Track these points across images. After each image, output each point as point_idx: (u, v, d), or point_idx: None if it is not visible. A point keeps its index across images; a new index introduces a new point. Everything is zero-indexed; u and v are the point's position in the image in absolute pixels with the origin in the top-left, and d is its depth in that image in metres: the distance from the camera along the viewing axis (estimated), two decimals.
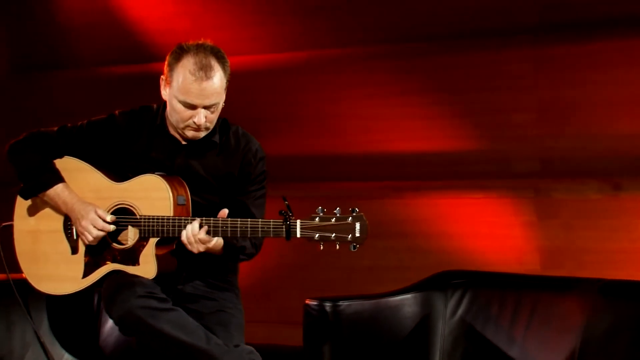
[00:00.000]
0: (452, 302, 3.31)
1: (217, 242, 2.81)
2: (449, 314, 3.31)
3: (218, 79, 2.82)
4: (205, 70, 2.79)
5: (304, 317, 3.25)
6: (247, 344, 2.91)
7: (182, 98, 2.82)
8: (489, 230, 4.15)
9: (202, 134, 2.90)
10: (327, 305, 3.22)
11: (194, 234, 2.76)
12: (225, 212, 2.80)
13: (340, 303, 3.24)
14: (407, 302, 3.32)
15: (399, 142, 4.32)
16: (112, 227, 2.87)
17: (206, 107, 2.83)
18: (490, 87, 4.14)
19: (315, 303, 3.24)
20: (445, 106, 4.22)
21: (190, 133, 2.89)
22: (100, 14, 4.98)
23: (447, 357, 3.28)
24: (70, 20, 5.10)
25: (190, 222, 2.77)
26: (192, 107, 2.82)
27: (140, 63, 4.86)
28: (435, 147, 4.24)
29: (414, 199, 4.29)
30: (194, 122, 2.84)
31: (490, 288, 3.30)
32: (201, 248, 2.79)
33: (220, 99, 2.86)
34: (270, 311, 4.50)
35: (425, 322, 3.31)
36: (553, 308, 3.13)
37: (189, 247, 2.80)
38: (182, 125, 2.87)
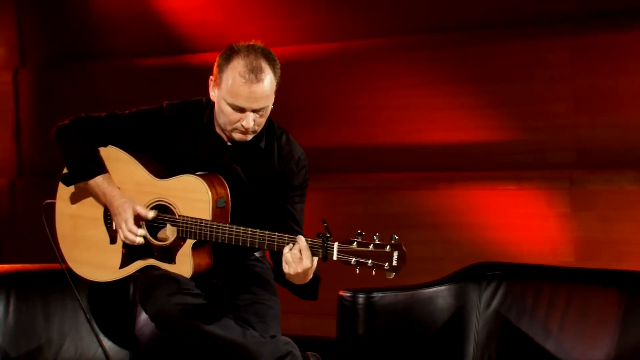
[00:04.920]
0: (486, 294, 3.29)
1: (314, 265, 2.70)
2: (483, 305, 3.29)
3: (268, 82, 2.77)
4: (255, 73, 2.74)
5: (337, 309, 3.25)
6: (282, 334, 2.91)
7: (230, 100, 2.77)
8: (524, 222, 4.12)
9: (250, 137, 2.85)
10: (361, 296, 3.22)
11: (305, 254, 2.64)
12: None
13: (374, 294, 3.23)
14: (441, 294, 3.30)
15: (432, 133, 4.29)
16: (143, 233, 2.83)
17: (255, 111, 2.79)
18: (526, 77, 4.10)
19: (348, 294, 3.24)
20: (480, 96, 4.19)
21: (237, 136, 2.84)
22: (134, 6, 5.01)
23: (481, 349, 3.26)
24: (105, 11, 5.13)
25: (293, 242, 2.66)
26: (241, 110, 2.78)
27: (173, 55, 4.88)
28: (469, 138, 4.21)
29: (448, 190, 4.26)
30: (242, 126, 2.79)
31: (525, 280, 3.27)
32: (299, 269, 2.67)
33: (269, 102, 2.81)
34: (304, 302, 4.49)
35: (459, 314, 3.29)
36: (589, 301, 3.10)
37: (288, 266, 2.68)
38: (229, 128, 2.83)
